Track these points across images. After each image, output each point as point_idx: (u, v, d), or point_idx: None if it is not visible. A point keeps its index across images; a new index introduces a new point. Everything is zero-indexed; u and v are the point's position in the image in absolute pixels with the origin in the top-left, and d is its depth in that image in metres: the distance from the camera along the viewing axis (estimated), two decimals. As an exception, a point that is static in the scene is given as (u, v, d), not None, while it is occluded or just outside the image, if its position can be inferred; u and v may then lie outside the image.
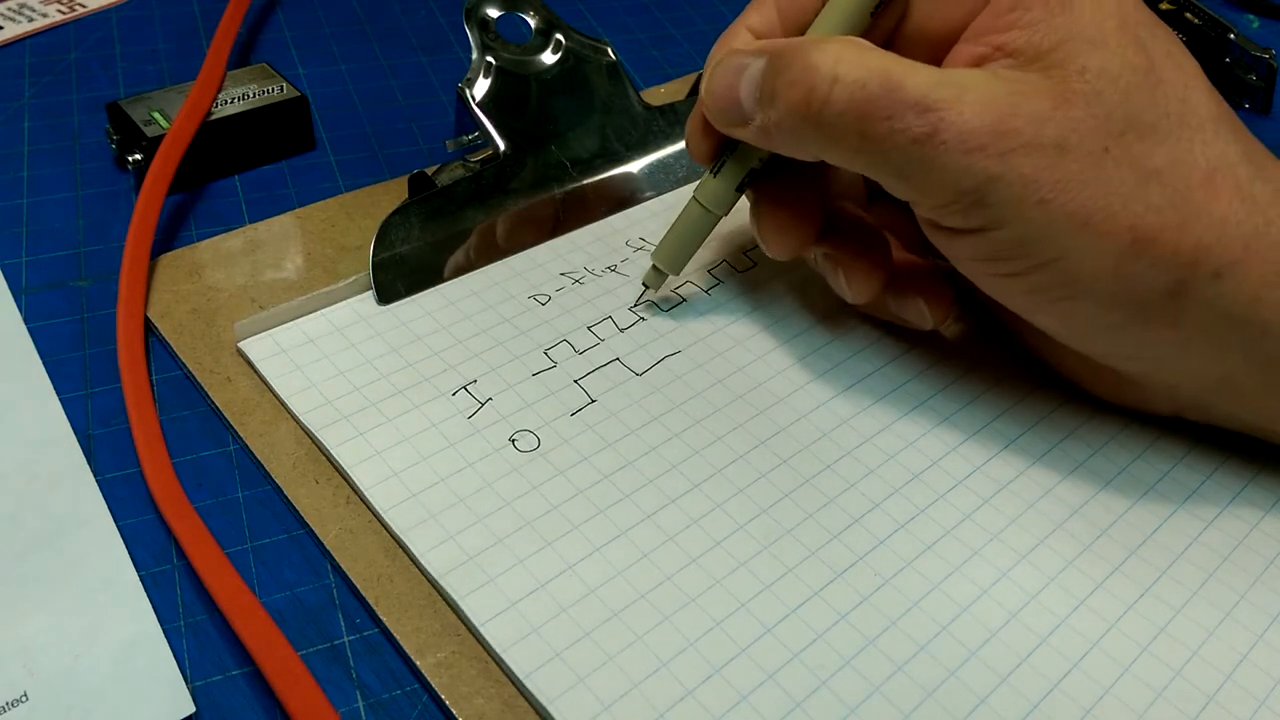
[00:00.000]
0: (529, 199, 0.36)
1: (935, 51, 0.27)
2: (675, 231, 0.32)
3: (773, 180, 0.30)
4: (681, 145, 0.40)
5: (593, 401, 0.30)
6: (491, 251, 0.35)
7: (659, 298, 0.33)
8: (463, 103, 0.36)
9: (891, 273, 0.30)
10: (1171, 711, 0.24)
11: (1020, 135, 0.24)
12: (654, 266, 0.32)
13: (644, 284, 0.33)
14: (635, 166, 0.39)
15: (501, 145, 0.36)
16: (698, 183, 0.31)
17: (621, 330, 0.32)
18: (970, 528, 0.27)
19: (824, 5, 0.28)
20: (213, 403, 0.30)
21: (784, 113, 0.26)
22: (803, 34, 0.29)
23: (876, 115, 0.24)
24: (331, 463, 0.28)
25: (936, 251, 0.28)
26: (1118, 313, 0.25)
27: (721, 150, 0.30)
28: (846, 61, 0.25)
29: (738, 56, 0.27)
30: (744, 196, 0.31)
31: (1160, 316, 0.25)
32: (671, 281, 0.33)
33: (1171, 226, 0.24)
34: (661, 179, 0.39)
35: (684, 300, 0.34)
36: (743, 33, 0.29)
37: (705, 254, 0.36)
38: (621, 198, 0.38)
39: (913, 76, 0.24)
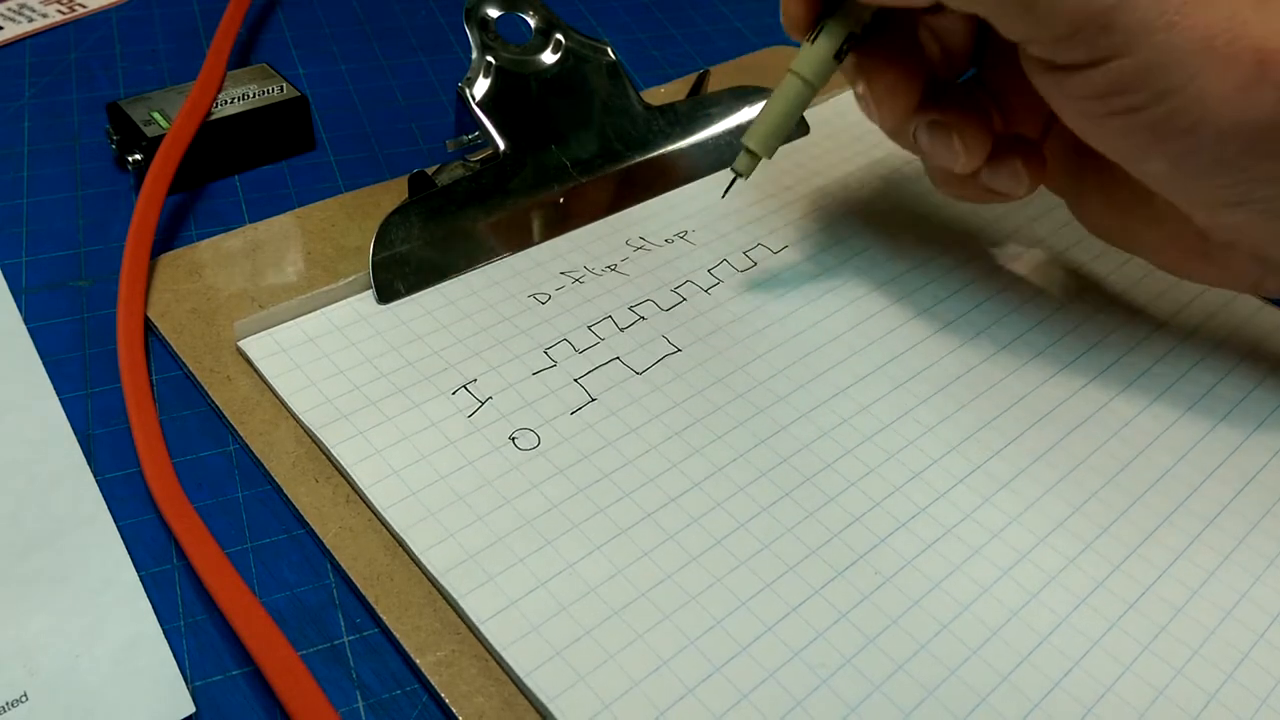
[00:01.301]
0: (529, 199, 0.36)
1: None
2: (771, 109, 0.31)
3: (873, 46, 0.30)
4: (682, 145, 0.40)
5: (593, 400, 0.30)
6: (491, 251, 0.35)
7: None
8: (463, 103, 0.36)
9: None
10: (1173, 710, 0.24)
11: None
12: (746, 149, 0.31)
13: (734, 170, 0.32)
14: (635, 166, 0.38)
15: (501, 145, 0.36)
16: (795, 57, 0.30)
17: (621, 329, 0.32)
18: (971, 526, 0.27)
19: None
20: (213, 402, 0.30)
21: None
22: None
23: None
24: (331, 462, 0.28)
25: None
26: (1235, 143, 0.25)
27: (819, 18, 0.29)
28: None
29: None
30: (840, 69, 0.30)
31: (1276, 146, 0.25)
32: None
33: None
34: (662, 179, 0.39)
35: (684, 300, 0.34)
36: None
37: (705, 254, 0.36)
38: (621, 197, 0.38)
39: None
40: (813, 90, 0.30)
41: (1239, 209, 0.27)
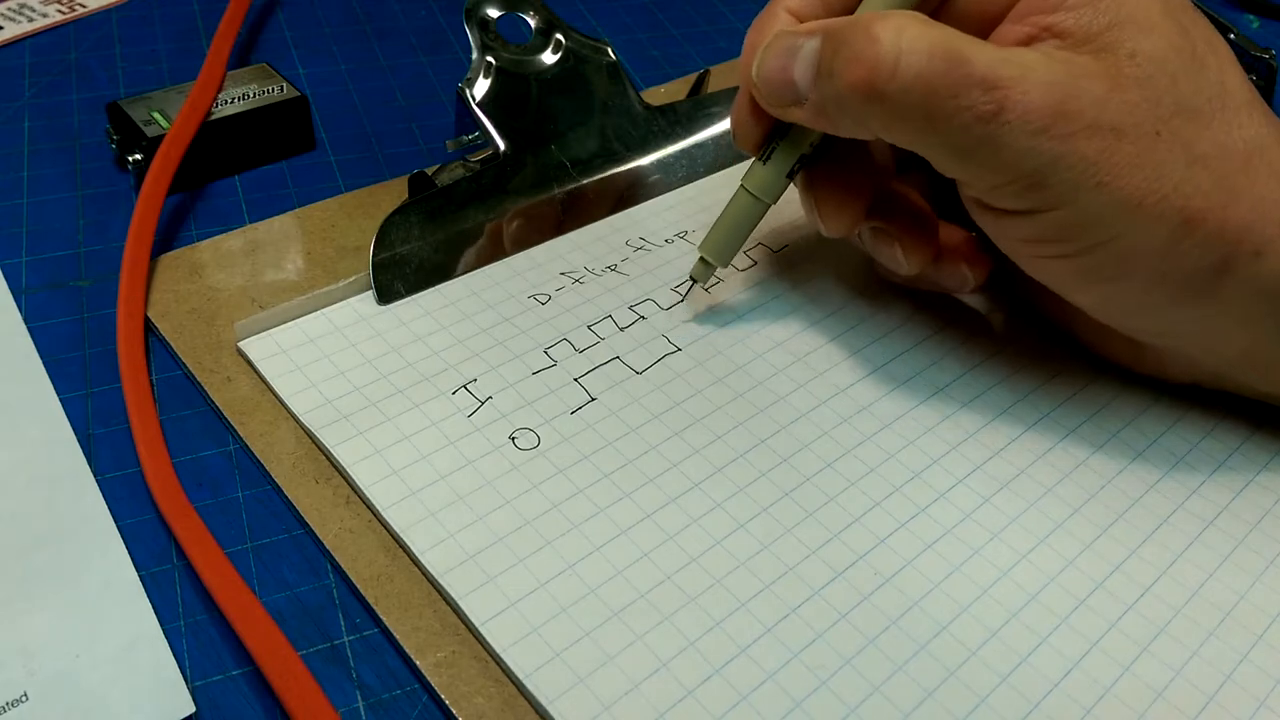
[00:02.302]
0: (529, 199, 0.36)
1: (980, 32, 0.27)
2: (723, 222, 0.31)
3: (821, 163, 0.30)
4: (682, 145, 0.40)
5: (593, 400, 0.30)
6: (491, 251, 0.35)
7: (696, 297, 0.33)
8: (463, 103, 0.36)
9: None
10: (1172, 711, 0.24)
11: (1083, 117, 0.24)
12: (701, 259, 0.32)
13: (691, 277, 0.32)
14: (635, 166, 0.39)
15: (501, 145, 0.36)
16: (745, 171, 0.31)
17: (621, 329, 0.32)
18: (971, 526, 0.27)
19: None
20: (213, 403, 0.30)
21: (845, 90, 0.25)
22: (849, 14, 0.28)
23: (943, 91, 0.24)
24: (331, 462, 0.28)
25: (969, 221, 0.28)
26: (1161, 291, 0.26)
27: (770, 137, 0.30)
28: (910, 35, 0.24)
29: (787, 38, 0.27)
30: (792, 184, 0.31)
31: (1200, 294, 0.26)
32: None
33: (1217, 207, 0.24)
34: (662, 179, 0.39)
35: (684, 299, 0.34)
36: (782, 14, 0.29)
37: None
38: (621, 197, 0.38)
39: (978, 52, 0.24)
40: (765, 207, 0.31)
41: (1165, 338, 0.28)
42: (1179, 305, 0.26)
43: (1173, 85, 0.24)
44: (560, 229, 0.36)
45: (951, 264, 0.31)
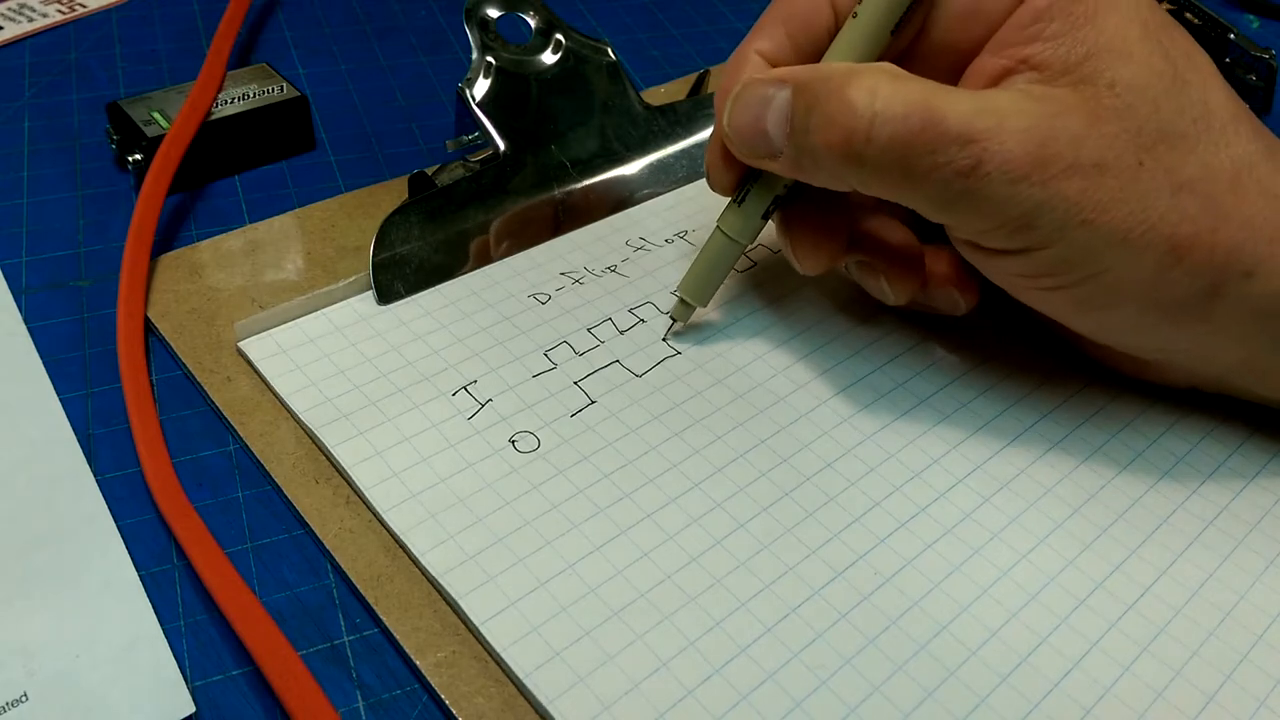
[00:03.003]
0: (529, 199, 0.36)
1: (955, 65, 0.27)
2: (700, 263, 0.31)
3: (797, 203, 0.30)
4: (682, 145, 0.40)
5: (593, 403, 0.30)
6: (491, 251, 0.35)
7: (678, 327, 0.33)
8: (463, 103, 0.36)
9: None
10: (1171, 711, 0.24)
11: (1062, 159, 0.24)
12: (680, 299, 0.32)
13: (671, 317, 0.32)
14: (635, 166, 0.39)
15: (501, 145, 0.36)
16: (720, 213, 0.30)
17: (621, 332, 0.32)
18: (971, 526, 0.27)
19: (838, 29, 0.27)
20: (213, 403, 0.30)
21: (821, 151, 0.25)
22: (817, 57, 0.28)
23: (919, 150, 0.24)
24: (331, 462, 0.28)
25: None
26: (1154, 315, 0.26)
27: (744, 180, 0.30)
28: (884, 95, 0.24)
29: (759, 87, 0.27)
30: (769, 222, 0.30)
31: (1194, 316, 0.26)
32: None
33: (1205, 232, 0.24)
34: (662, 179, 0.39)
35: (665, 337, 0.33)
36: (753, 58, 0.28)
37: (705, 254, 0.36)
38: (621, 198, 0.38)
39: (953, 106, 0.24)
40: (741, 248, 0.30)
41: (1162, 354, 0.29)
42: (1174, 327, 0.26)
43: (1155, 112, 0.24)
44: (560, 229, 0.36)
45: (941, 289, 0.31)
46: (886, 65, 0.25)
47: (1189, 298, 0.25)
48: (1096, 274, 0.25)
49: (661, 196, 0.38)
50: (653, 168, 0.39)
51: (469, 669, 0.24)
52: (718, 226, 0.30)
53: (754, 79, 0.27)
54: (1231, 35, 0.45)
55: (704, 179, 0.39)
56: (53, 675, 0.23)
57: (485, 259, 0.34)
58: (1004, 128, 0.24)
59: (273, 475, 0.28)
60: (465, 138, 0.37)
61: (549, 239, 0.36)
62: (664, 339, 0.32)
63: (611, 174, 0.38)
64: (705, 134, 0.40)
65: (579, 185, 0.37)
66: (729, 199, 0.30)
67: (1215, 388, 0.30)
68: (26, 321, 0.32)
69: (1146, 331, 0.27)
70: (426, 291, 0.33)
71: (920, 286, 0.30)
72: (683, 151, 0.40)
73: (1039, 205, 0.24)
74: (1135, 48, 0.24)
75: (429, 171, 0.36)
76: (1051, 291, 0.26)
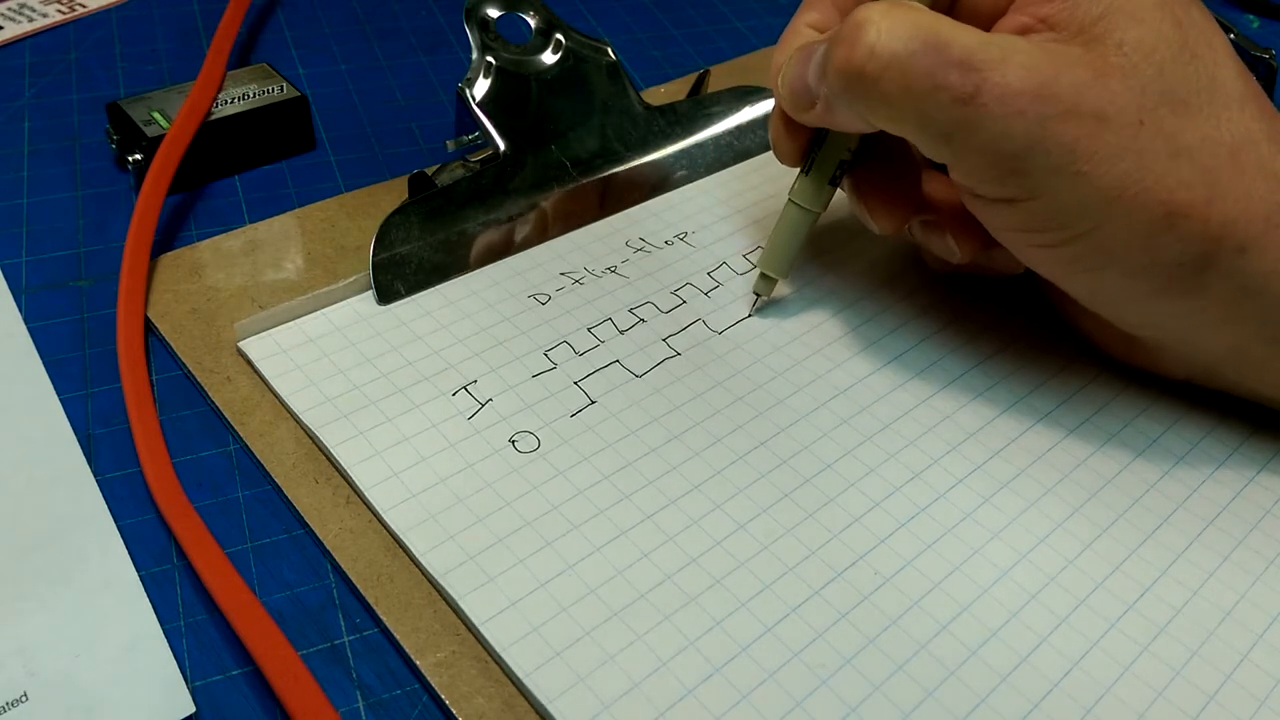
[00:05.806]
0: (529, 199, 0.36)
1: (986, 25, 0.27)
2: (777, 236, 0.32)
3: (865, 166, 0.30)
4: (682, 145, 0.40)
5: (593, 403, 0.30)
6: (491, 251, 0.35)
7: (761, 304, 0.33)
8: (463, 103, 0.36)
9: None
10: (1172, 711, 0.24)
11: (1061, 101, 0.24)
12: (762, 274, 0.32)
13: (755, 292, 0.33)
14: (635, 166, 0.38)
15: (501, 145, 0.36)
16: (792, 185, 0.31)
17: (621, 332, 0.32)
18: (971, 526, 0.27)
19: None
20: (213, 403, 0.30)
21: (834, 77, 0.26)
22: None
23: (920, 72, 0.24)
24: (331, 462, 0.28)
25: None
26: (1144, 283, 0.26)
27: (809, 148, 0.30)
28: (892, 18, 0.25)
29: (808, 48, 0.28)
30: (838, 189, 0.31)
31: (1184, 287, 0.26)
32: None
33: (1200, 201, 0.24)
34: (662, 179, 0.39)
35: (683, 302, 0.34)
36: (803, 29, 0.30)
37: (705, 256, 0.36)
38: (621, 198, 0.38)
39: (959, 36, 0.24)
40: (814, 216, 0.31)
41: (1153, 329, 0.28)
42: (1163, 297, 0.26)
43: (1159, 75, 0.24)
44: (560, 229, 0.36)
45: (1002, 249, 0.31)
46: (911, 2, 0.26)
47: (1180, 266, 0.25)
48: (1087, 231, 0.25)
49: (661, 197, 0.38)
50: (653, 168, 0.39)
51: (469, 669, 0.24)
52: (789, 199, 0.31)
53: (805, 45, 0.28)
54: (1231, 35, 0.45)
55: (704, 179, 0.39)
56: (53, 675, 0.23)
57: (485, 259, 0.34)
58: (1009, 61, 0.24)
59: (273, 475, 0.28)
60: (465, 138, 0.37)
61: (549, 239, 0.36)
62: (749, 315, 0.33)
63: (611, 174, 0.38)
64: (705, 134, 0.40)
65: (579, 185, 0.37)
66: (797, 172, 0.31)
67: (1207, 380, 0.30)
68: (26, 321, 0.32)
69: (1137, 301, 0.27)
70: (426, 291, 0.33)
71: (982, 244, 0.30)
72: (682, 151, 0.40)
73: (1033, 145, 0.24)
74: (1148, 14, 0.25)
75: (429, 171, 0.36)
76: (1046, 249, 0.27)
